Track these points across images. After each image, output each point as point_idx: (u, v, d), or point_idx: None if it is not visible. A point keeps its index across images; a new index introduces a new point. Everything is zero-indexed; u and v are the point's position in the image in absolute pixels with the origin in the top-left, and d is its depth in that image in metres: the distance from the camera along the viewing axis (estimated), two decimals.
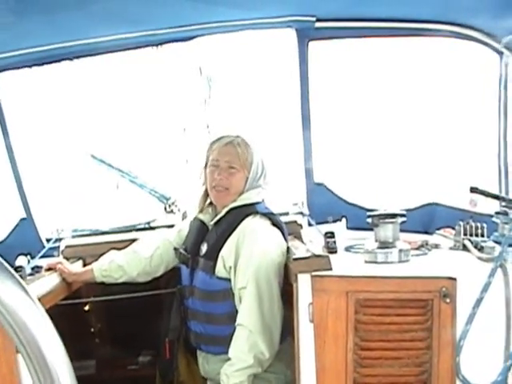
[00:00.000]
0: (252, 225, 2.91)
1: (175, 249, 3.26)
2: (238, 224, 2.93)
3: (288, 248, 3.05)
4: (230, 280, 2.90)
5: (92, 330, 4.12)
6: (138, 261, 3.29)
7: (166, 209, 4.01)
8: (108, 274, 3.27)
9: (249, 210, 2.97)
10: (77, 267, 3.40)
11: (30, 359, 0.77)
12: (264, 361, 2.78)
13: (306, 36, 3.70)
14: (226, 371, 2.77)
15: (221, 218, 3.02)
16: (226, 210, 3.01)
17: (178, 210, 3.99)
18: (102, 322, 4.13)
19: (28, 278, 3.07)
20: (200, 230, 3.13)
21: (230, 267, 2.88)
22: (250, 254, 2.82)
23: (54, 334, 0.80)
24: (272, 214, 3.02)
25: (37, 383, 0.77)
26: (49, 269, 3.28)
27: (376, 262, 2.81)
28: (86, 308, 3.98)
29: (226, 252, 2.90)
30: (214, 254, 2.94)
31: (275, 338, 2.81)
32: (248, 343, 2.75)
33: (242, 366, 2.74)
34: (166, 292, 3.55)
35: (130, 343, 4.00)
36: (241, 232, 2.90)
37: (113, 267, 3.26)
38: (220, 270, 2.91)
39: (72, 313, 3.64)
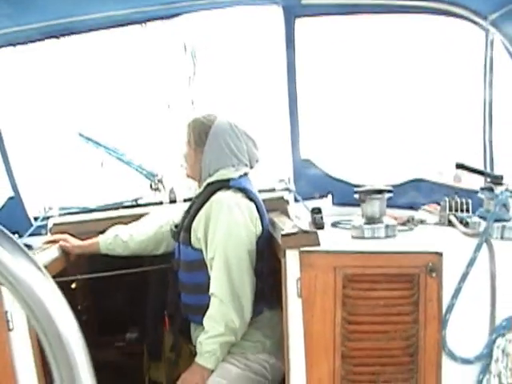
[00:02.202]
0: (220, 197, 3.00)
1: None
2: (210, 197, 3.03)
3: (274, 223, 3.19)
4: (202, 250, 3.01)
5: (79, 307, 4.13)
6: (140, 237, 3.41)
7: (151, 186, 4.02)
8: (112, 248, 3.40)
9: (221, 184, 3.07)
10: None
11: (45, 334, 0.78)
12: (235, 329, 2.87)
13: (292, 13, 3.70)
14: (200, 339, 2.88)
15: (200, 194, 3.16)
16: (204, 185, 3.16)
17: (163, 187, 3.99)
18: (89, 299, 4.14)
19: None
20: (188, 207, 3.24)
21: (199, 238, 2.99)
22: (216, 225, 2.92)
23: (66, 308, 0.81)
24: (245, 188, 3.08)
25: (51, 359, 0.78)
26: (49, 242, 3.41)
27: (363, 238, 2.84)
28: (73, 286, 3.99)
29: (196, 223, 3.03)
30: (188, 226, 3.07)
31: (246, 306, 2.90)
32: (219, 312, 2.86)
33: (213, 334, 2.85)
34: (152, 269, 3.57)
35: (116, 320, 4.02)
36: (209, 204, 3.00)
37: (117, 241, 3.39)
38: (194, 241, 3.03)
39: (59, 290, 3.65)
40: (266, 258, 3.05)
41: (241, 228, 2.92)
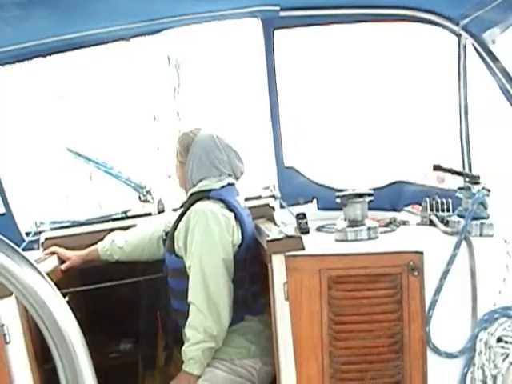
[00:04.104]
0: (198, 207, 3.06)
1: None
2: (190, 207, 3.10)
3: (260, 229, 3.28)
4: (183, 258, 3.08)
5: None
6: (135, 242, 3.49)
7: (140, 198, 4.05)
8: (110, 254, 3.48)
9: (202, 195, 3.14)
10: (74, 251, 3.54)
11: (49, 332, 0.86)
12: (214, 335, 2.92)
13: (271, 25, 3.76)
14: (184, 347, 2.95)
15: (184, 203, 3.26)
16: (188, 195, 3.25)
17: (152, 199, 4.03)
18: (82, 312, 4.14)
19: None
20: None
21: (180, 247, 3.07)
22: (193, 234, 3.00)
23: (67, 309, 0.89)
24: (224, 199, 3.13)
25: (55, 352, 0.87)
26: (49, 253, 3.49)
27: (346, 240, 2.92)
28: (66, 299, 4.00)
29: (177, 233, 3.11)
30: (171, 235, 3.16)
31: (223, 313, 2.95)
32: (197, 319, 2.92)
33: (194, 341, 2.91)
34: (144, 279, 3.62)
35: (110, 331, 4.04)
36: (189, 214, 3.07)
37: (114, 247, 3.47)
38: (177, 250, 3.11)
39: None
40: (249, 266, 3.10)
41: (215, 237, 2.97)
